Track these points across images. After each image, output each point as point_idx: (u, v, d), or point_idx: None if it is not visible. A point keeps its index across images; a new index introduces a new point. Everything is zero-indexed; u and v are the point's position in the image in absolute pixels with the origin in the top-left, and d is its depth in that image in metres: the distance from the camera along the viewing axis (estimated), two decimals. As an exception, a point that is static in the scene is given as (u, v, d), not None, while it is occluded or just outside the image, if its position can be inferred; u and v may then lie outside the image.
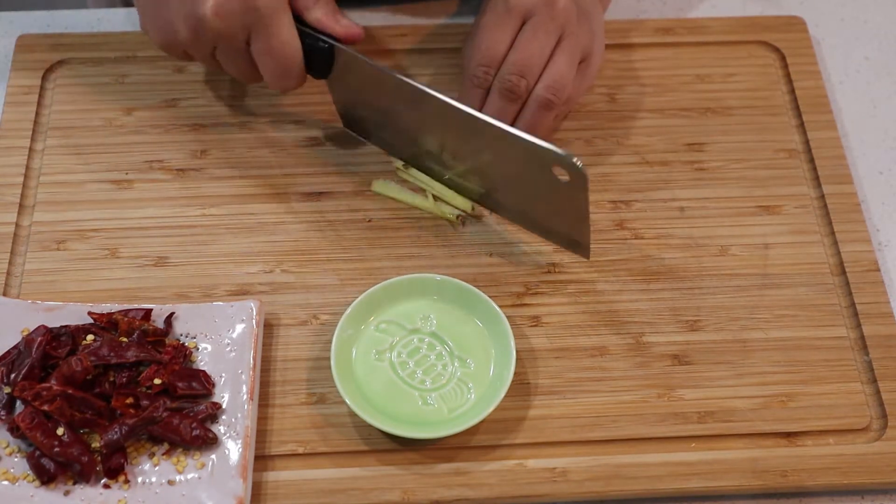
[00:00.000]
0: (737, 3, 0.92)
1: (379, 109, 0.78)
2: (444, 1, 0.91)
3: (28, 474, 0.65)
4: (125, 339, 0.69)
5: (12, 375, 0.67)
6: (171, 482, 0.65)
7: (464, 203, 0.78)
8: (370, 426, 0.68)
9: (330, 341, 0.70)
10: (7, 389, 0.67)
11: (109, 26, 0.89)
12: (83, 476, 0.65)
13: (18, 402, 0.67)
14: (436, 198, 0.78)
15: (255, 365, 0.69)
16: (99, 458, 0.65)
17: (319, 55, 0.75)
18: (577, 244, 0.76)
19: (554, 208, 0.74)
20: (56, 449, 0.64)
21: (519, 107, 0.74)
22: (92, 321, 0.70)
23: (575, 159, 0.68)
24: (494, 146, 0.72)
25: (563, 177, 0.70)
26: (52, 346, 0.68)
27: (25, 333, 0.69)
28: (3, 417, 0.66)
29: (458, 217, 0.78)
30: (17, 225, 0.77)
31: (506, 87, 0.73)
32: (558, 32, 0.73)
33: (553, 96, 0.73)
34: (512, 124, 0.72)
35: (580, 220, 0.73)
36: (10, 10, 0.90)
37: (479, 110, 0.72)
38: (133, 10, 0.89)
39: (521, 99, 0.73)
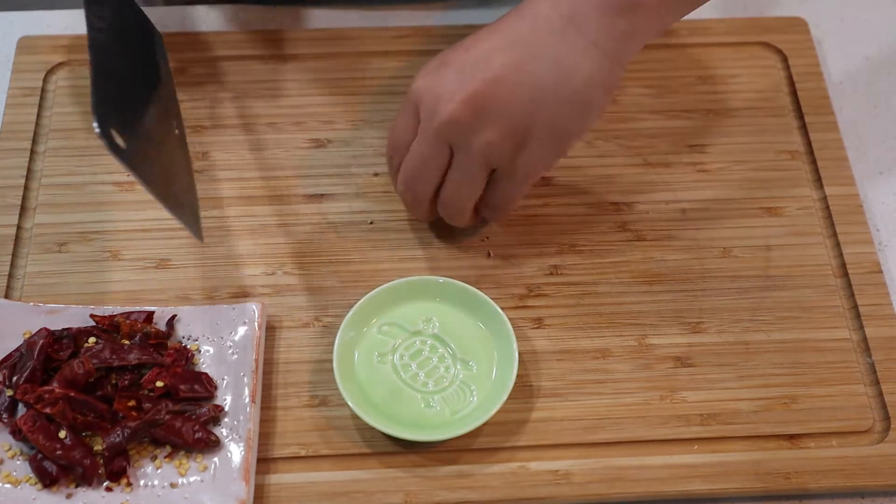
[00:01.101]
0: (738, 4, 0.92)
1: None
2: (445, 1, 0.91)
3: (30, 477, 0.65)
4: (127, 342, 0.69)
5: (14, 378, 0.67)
6: (173, 485, 0.65)
7: None
8: (372, 429, 0.68)
9: (332, 344, 0.69)
10: (9, 392, 0.67)
11: (110, 27, 0.89)
12: (85, 479, 0.65)
13: (20, 405, 0.67)
14: None
15: (257, 367, 0.69)
16: (101, 460, 0.65)
17: None
18: None
19: None
20: (58, 452, 0.64)
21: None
22: (94, 324, 0.70)
23: None
24: None
25: None
26: (53, 348, 0.68)
27: (27, 336, 0.69)
28: (5, 420, 0.66)
29: None
30: (18, 227, 0.77)
31: (400, 194, 0.70)
32: (447, 142, 0.64)
33: (453, 213, 0.69)
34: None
35: None
36: (10, 10, 0.89)
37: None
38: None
39: (421, 206, 0.70)
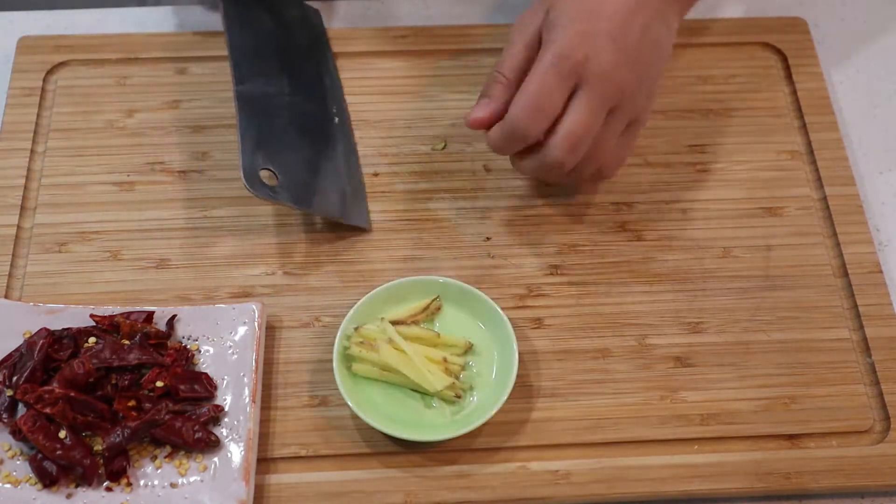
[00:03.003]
0: (738, 4, 0.92)
1: None
2: (445, 2, 0.91)
3: (30, 477, 0.65)
4: (127, 342, 0.69)
5: (14, 378, 0.67)
6: (173, 485, 0.65)
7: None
8: (372, 429, 0.67)
9: (332, 344, 0.69)
10: (9, 392, 0.67)
11: (111, 27, 0.88)
12: (85, 479, 0.65)
13: (20, 405, 0.67)
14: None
15: (257, 367, 0.69)
16: (101, 460, 0.65)
17: None
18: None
19: None
20: (58, 452, 0.64)
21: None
22: (94, 324, 0.70)
23: None
24: None
25: None
26: (53, 348, 0.68)
27: (27, 336, 0.69)
28: (6, 420, 0.66)
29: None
30: (18, 227, 0.77)
31: (553, 160, 0.69)
32: (611, 104, 0.69)
33: (598, 173, 0.74)
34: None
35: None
36: (10, 10, 0.89)
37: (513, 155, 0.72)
38: (133, 10, 0.89)
39: (565, 170, 0.71)
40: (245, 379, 0.69)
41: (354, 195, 0.78)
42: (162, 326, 0.71)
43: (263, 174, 0.72)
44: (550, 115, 0.68)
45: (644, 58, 0.70)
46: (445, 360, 0.69)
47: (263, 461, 0.68)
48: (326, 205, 0.76)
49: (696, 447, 0.69)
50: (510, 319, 0.70)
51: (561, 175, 0.71)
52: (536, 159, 0.70)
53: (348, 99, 0.84)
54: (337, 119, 0.79)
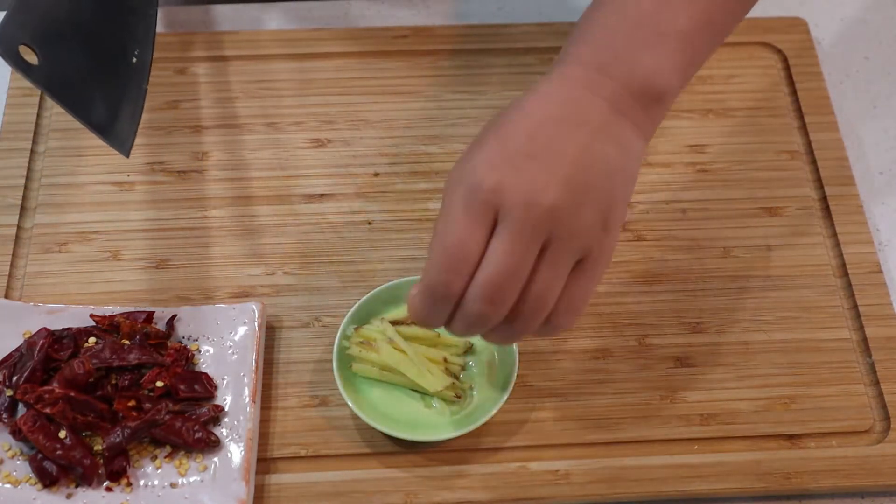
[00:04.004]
0: (738, 4, 0.92)
1: None
2: (445, 2, 0.91)
3: (30, 477, 0.65)
4: (127, 342, 0.69)
5: (14, 378, 0.67)
6: (173, 485, 0.65)
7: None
8: (372, 429, 0.67)
9: (332, 344, 0.69)
10: (9, 392, 0.67)
11: (110, 27, 0.88)
12: (85, 479, 0.65)
13: (20, 405, 0.67)
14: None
15: (257, 367, 0.69)
16: (101, 460, 0.65)
17: None
18: None
19: None
20: (58, 452, 0.64)
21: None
22: (94, 324, 0.70)
23: None
24: None
25: None
26: (53, 348, 0.68)
27: (27, 336, 0.69)
28: (6, 420, 0.66)
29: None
30: (18, 227, 0.77)
31: (473, 315, 0.56)
32: (542, 237, 0.56)
33: (548, 325, 0.59)
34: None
35: None
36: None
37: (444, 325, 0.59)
38: None
39: (492, 324, 0.57)
40: (245, 379, 0.69)
41: (127, 117, 0.70)
42: (162, 326, 0.71)
43: (23, 49, 0.65)
44: (470, 261, 0.55)
45: (585, 179, 0.56)
46: (445, 360, 0.69)
47: (263, 461, 0.68)
48: (88, 111, 0.68)
49: (696, 447, 0.69)
50: (510, 319, 0.70)
51: (503, 332, 0.58)
52: (458, 316, 0.57)
53: (348, 99, 0.84)
54: (136, 60, 0.73)
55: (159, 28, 0.85)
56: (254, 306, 0.71)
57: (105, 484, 0.65)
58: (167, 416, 0.66)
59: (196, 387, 0.68)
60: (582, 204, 0.56)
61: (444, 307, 0.57)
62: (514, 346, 0.69)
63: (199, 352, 0.70)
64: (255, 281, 0.75)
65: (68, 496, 0.65)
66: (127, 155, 0.68)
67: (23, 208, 0.78)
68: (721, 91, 0.85)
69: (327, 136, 0.82)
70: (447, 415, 0.69)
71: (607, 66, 0.59)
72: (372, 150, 0.82)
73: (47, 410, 0.65)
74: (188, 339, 0.71)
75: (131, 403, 0.67)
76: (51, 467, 0.65)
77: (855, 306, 0.75)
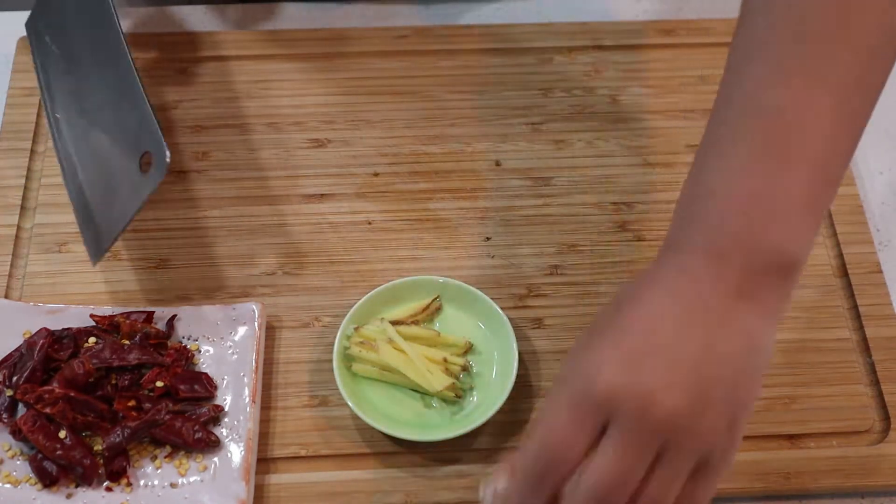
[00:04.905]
0: (738, 4, 0.92)
1: None
2: (445, 2, 0.91)
3: (30, 477, 0.65)
4: (127, 342, 0.69)
5: (14, 378, 0.67)
6: (173, 485, 0.65)
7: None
8: (372, 429, 0.67)
9: (332, 344, 0.69)
10: (9, 392, 0.67)
11: (110, 27, 0.88)
12: (85, 479, 0.65)
13: (20, 405, 0.67)
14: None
15: (257, 367, 0.69)
16: (101, 460, 0.65)
17: None
18: None
19: None
20: (58, 452, 0.64)
21: None
22: (94, 324, 0.70)
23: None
24: None
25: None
26: (53, 348, 0.68)
27: (27, 336, 0.69)
28: (6, 420, 0.66)
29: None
30: (18, 227, 0.77)
31: None
32: (658, 443, 0.52)
33: None
34: None
35: None
36: (10, 10, 0.89)
37: None
38: (133, 11, 0.89)
39: None
40: (245, 379, 0.69)
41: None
42: (162, 326, 0.71)
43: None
44: (570, 462, 0.52)
45: (707, 381, 0.52)
46: (445, 360, 0.69)
47: (263, 461, 0.68)
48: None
49: (696, 447, 0.69)
50: (510, 319, 0.70)
51: None
52: None
53: (348, 99, 0.84)
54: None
55: (160, 28, 0.85)
56: (254, 306, 0.71)
57: (105, 484, 0.65)
58: (167, 416, 0.66)
59: (196, 387, 0.68)
60: (704, 409, 0.52)
61: (524, 499, 0.54)
62: (514, 346, 0.69)
63: (199, 352, 0.70)
64: (255, 281, 0.75)
65: (68, 496, 0.65)
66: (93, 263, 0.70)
67: (23, 208, 0.78)
68: (721, 91, 0.85)
69: (327, 136, 0.82)
70: (447, 415, 0.69)
71: (728, 251, 0.54)
72: (372, 150, 0.82)
73: (47, 410, 0.65)
74: (188, 339, 0.71)
75: (131, 403, 0.67)
76: (51, 467, 0.65)
77: (855, 306, 0.75)
